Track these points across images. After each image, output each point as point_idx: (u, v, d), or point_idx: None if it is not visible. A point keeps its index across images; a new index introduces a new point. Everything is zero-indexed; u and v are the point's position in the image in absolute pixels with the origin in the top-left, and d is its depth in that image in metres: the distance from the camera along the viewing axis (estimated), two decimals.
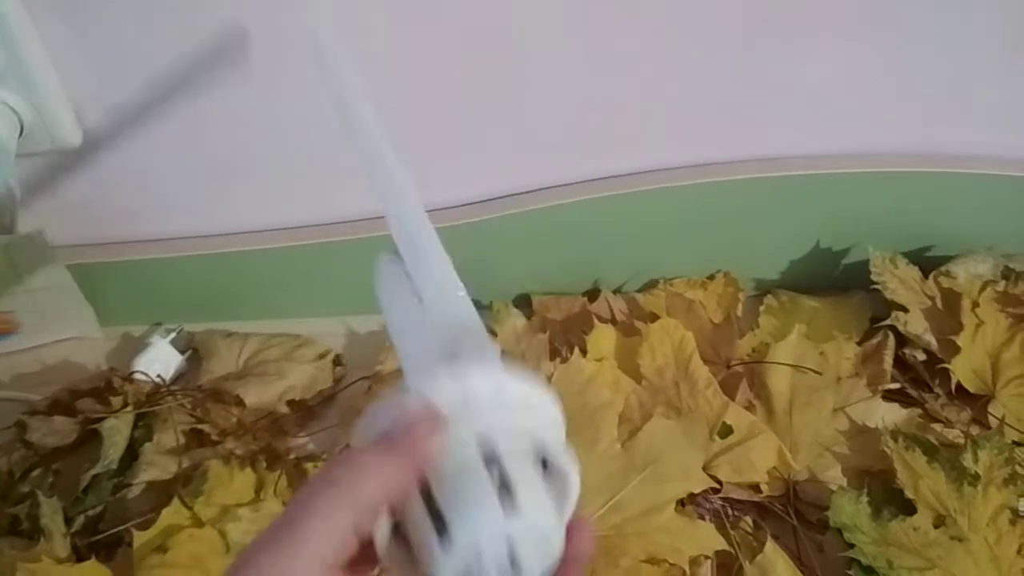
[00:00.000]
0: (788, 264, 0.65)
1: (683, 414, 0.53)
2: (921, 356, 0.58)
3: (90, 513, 0.49)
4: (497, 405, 0.24)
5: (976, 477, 0.47)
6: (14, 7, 0.44)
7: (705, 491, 0.50)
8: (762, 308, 0.64)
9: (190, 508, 0.47)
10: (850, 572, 0.45)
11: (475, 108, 0.54)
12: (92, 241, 0.60)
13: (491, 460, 0.23)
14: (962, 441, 0.50)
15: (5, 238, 0.56)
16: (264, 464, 0.51)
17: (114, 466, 0.51)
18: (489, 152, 0.58)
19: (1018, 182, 0.58)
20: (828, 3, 0.50)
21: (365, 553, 0.23)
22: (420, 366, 0.27)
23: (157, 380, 0.57)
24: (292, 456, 0.54)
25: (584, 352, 0.57)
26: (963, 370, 0.56)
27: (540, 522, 0.23)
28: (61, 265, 0.59)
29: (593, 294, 0.65)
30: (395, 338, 0.29)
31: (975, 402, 0.56)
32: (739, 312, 0.62)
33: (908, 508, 0.47)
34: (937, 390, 0.56)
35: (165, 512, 0.46)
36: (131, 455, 0.52)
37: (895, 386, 0.57)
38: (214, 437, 0.53)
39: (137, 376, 0.57)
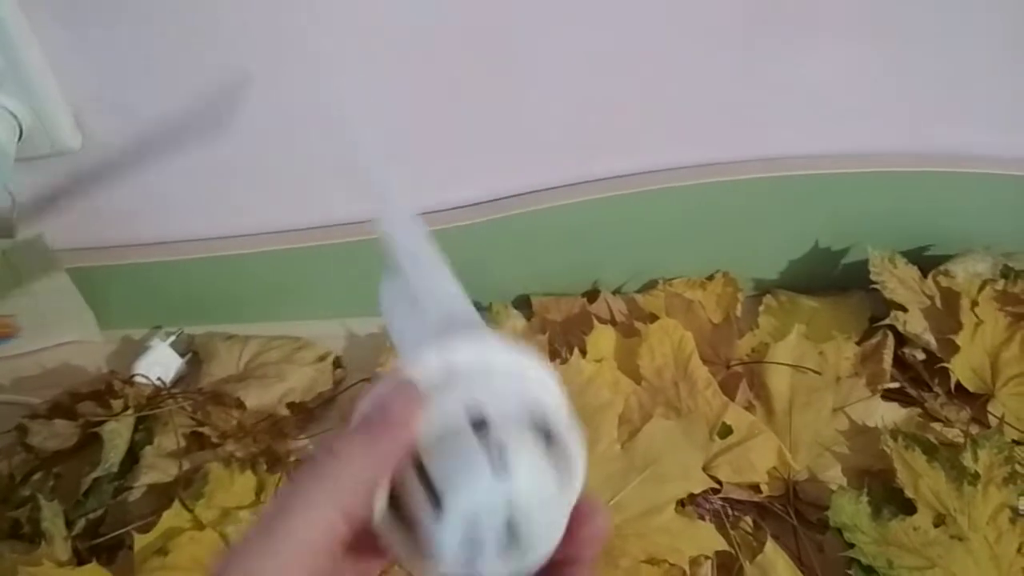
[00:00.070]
0: (787, 264, 0.65)
1: (683, 414, 0.53)
2: (920, 355, 0.58)
3: (91, 516, 0.49)
4: (484, 373, 0.24)
5: (976, 476, 0.47)
6: (12, 11, 0.44)
7: (705, 491, 0.51)
8: (761, 308, 0.64)
9: (191, 511, 0.47)
10: (850, 572, 0.46)
11: (475, 108, 0.54)
12: (92, 245, 0.60)
13: (481, 427, 0.23)
14: (962, 440, 0.50)
15: (5, 242, 0.56)
16: (265, 466, 0.51)
17: (115, 469, 0.51)
18: (489, 152, 0.58)
19: (1018, 182, 0.58)
20: (828, 3, 0.50)
21: (370, 541, 0.23)
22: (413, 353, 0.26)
23: (157, 383, 0.57)
24: (292, 458, 0.54)
25: (584, 353, 0.57)
26: (962, 369, 0.56)
27: (536, 487, 0.22)
28: (61, 269, 0.59)
29: (592, 295, 0.65)
30: (396, 341, 0.29)
31: (974, 401, 0.56)
32: (738, 312, 0.63)
33: (908, 507, 0.47)
34: (936, 389, 0.57)
35: (166, 515, 0.46)
36: (132, 458, 0.52)
37: (895, 386, 0.57)
38: (215, 440, 0.53)
39: (137, 379, 0.57)
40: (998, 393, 0.55)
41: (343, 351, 0.63)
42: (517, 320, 0.63)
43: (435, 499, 0.22)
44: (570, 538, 0.24)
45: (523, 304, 0.65)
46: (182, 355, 0.61)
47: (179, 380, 0.60)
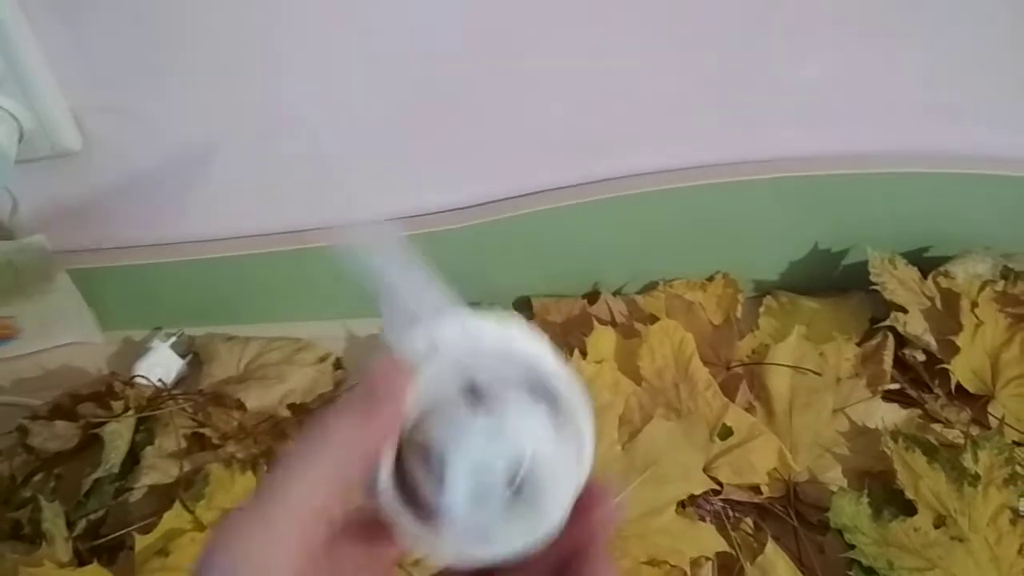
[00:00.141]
0: (787, 265, 0.65)
1: (683, 416, 0.53)
2: (920, 356, 0.58)
3: (92, 517, 0.49)
4: (471, 340, 0.24)
5: (976, 477, 0.47)
6: (12, 12, 0.44)
7: (705, 493, 0.51)
8: (761, 309, 0.64)
9: (191, 512, 0.47)
10: (851, 573, 0.46)
11: (475, 109, 0.54)
12: (92, 246, 0.60)
13: (471, 389, 0.23)
14: (962, 441, 0.50)
15: (5, 243, 0.56)
16: (265, 468, 0.51)
17: (115, 470, 0.51)
18: (488, 154, 0.58)
19: (1018, 182, 0.58)
20: (828, 3, 0.50)
21: (380, 530, 0.23)
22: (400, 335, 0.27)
23: (158, 384, 0.57)
24: None
25: (584, 354, 0.57)
26: (963, 370, 0.56)
27: (534, 438, 0.23)
28: (61, 270, 0.59)
29: (593, 296, 0.65)
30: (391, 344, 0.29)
31: (975, 402, 0.56)
32: (739, 313, 0.63)
33: (908, 509, 0.47)
34: (937, 390, 0.57)
35: (167, 516, 0.46)
36: (132, 459, 0.52)
37: (895, 387, 0.57)
38: (215, 441, 0.53)
39: (138, 380, 0.57)
40: (998, 394, 0.55)
41: (343, 352, 0.63)
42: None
43: (440, 472, 0.22)
44: (583, 522, 0.23)
45: (523, 305, 0.65)
46: (183, 356, 0.61)
47: (180, 381, 0.60)
